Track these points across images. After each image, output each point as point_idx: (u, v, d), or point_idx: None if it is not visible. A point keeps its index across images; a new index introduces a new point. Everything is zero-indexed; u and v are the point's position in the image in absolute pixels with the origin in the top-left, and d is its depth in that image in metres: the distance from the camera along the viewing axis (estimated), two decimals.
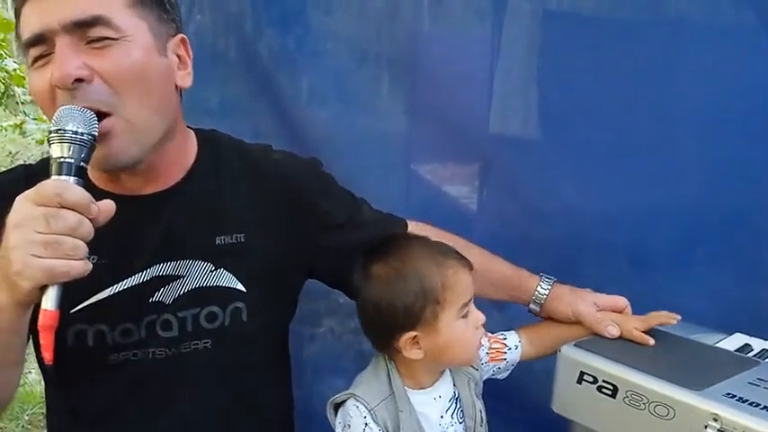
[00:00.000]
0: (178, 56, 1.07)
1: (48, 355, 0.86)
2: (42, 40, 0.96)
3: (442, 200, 2.08)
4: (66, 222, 0.84)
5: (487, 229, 1.80)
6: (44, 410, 2.56)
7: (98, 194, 0.90)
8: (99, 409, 1.06)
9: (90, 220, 0.85)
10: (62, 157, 0.88)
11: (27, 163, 1.19)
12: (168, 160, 1.08)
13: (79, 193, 0.86)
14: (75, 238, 0.84)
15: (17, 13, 1.00)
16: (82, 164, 0.89)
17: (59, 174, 0.88)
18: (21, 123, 6.39)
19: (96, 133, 0.92)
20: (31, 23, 0.96)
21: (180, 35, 1.08)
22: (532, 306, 1.34)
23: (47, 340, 0.86)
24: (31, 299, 0.85)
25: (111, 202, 0.88)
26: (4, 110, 6.41)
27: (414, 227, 1.34)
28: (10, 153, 6.53)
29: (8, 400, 1.02)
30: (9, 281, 0.84)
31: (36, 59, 0.98)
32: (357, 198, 1.30)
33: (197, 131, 1.17)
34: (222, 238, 1.11)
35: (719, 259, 1.89)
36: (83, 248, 0.85)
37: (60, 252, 0.83)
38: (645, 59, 1.90)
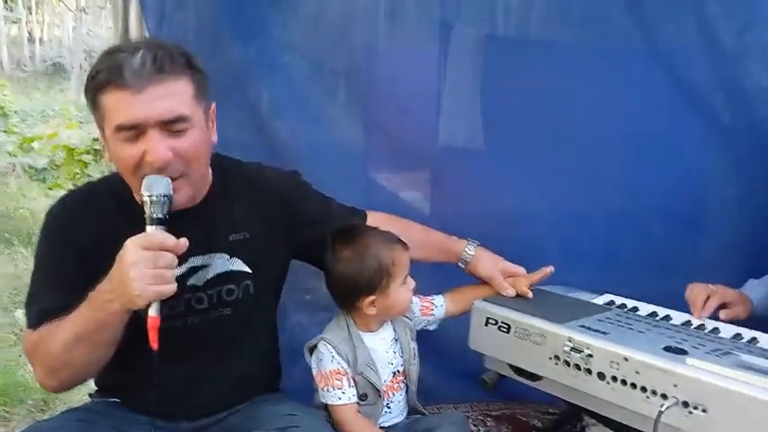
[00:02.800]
0: (212, 120, 1.46)
1: (155, 344, 1.26)
2: (136, 128, 1.30)
3: (398, 204, 2.22)
4: (166, 261, 1.25)
5: (438, 230, 1.87)
6: (45, 396, 2.76)
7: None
8: (144, 363, 1.36)
9: None
10: (156, 215, 1.28)
11: (91, 180, 1.60)
12: (199, 189, 1.48)
13: (172, 241, 1.26)
14: (171, 269, 1.25)
15: (99, 87, 1.30)
16: (167, 216, 1.29)
17: (153, 224, 1.28)
18: None
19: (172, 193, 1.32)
20: (126, 113, 1.29)
21: (213, 104, 1.45)
22: (460, 264, 1.76)
23: (153, 335, 1.25)
24: (140, 308, 1.25)
25: (186, 240, 1.27)
26: None
27: (373, 215, 1.75)
28: None
29: (99, 369, 1.40)
30: (126, 299, 1.24)
31: (127, 138, 1.31)
32: (327, 198, 1.72)
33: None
34: (234, 236, 1.52)
35: (639, 255, 2.06)
36: (174, 274, 1.26)
37: (163, 280, 1.24)
38: (574, 78, 2.06)
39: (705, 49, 2.01)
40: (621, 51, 2.08)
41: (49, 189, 5.98)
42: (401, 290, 1.59)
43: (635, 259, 2.09)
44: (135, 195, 1.38)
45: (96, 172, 5.90)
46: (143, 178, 1.30)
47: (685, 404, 1.27)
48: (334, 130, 2.18)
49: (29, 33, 16.15)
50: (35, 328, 1.38)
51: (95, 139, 6.22)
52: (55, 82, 13.66)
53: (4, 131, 6.61)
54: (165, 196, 1.29)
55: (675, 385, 1.28)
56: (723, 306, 1.64)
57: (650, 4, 2.04)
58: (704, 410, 1.25)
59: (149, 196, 1.28)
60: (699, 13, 1.99)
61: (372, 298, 1.57)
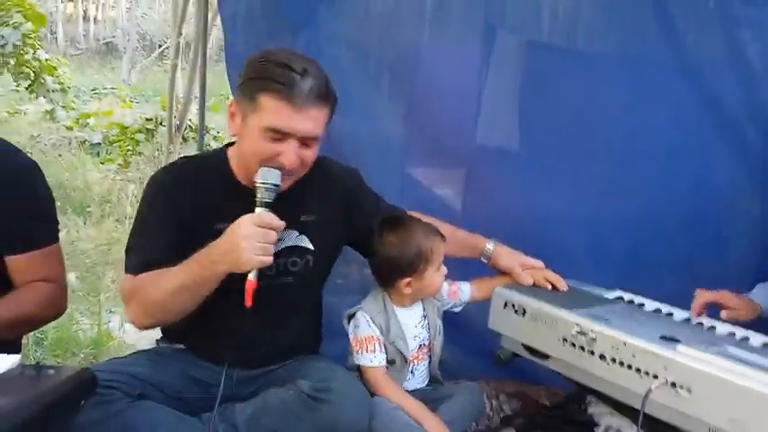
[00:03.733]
0: None
1: (248, 303, 1.52)
2: (283, 134, 1.57)
3: (431, 200, 2.36)
4: (271, 237, 1.52)
5: (468, 227, 2.03)
6: (95, 351, 3.09)
7: (244, 189, 1.62)
8: (222, 314, 1.65)
9: None
10: (266, 200, 1.55)
11: (186, 155, 1.88)
12: None
13: (278, 222, 1.54)
14: (273, 245, 1.52)
15: (266, 89, 1.55)
16: (273, 202, 1.56)
17: (263, 206, 1.54)
18: (51, 110, 6.72)
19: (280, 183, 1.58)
20: (282, 122, 1.55)
21: None
22: (483, 259, 1.98)
23: (249, 295, 1.52)
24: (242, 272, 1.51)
25: (284, 222, 1.56)
26: (36, 97, 6.74)
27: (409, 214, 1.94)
28: (32, 137, 6.86)
29: (189, 313, 1.61)
30: (235, 264, 1.50)
31: (270, 137, 1.57)
32: (378, 195, 1.95)
33: None
34: (304, 216, 1.77)
35: (661, 262, 2.19)
36: (272, 248, 1.53)
37: (266, 252, 1.51)
38: (608, 87, 2.20)
39: (733, 67, 2.13)
40: (654, 65, 2.19)
41: (101, 163, 6.31)
42: (435, 275, 1.81)
43: (657, 265, 2.20)
44: (240, 174, 1.67)
45: (147, 150, 6.22)
46: (261, 166, 1.57)
47: (673, 384, 1.46)
48: (375, 123, 2.33)
49: (84, 12, 16.64)
50: (135, 274, 1.62)
51: (148, 119, 6.54)
52: (107, 61, 14.11)
53: (63, 107, 6.95)
54: (275, 185, 1.56)
55: (666, 368, 1.47)
56: (723, 307, 1.80)
57: (683, 22, 2.16)
58: (689, 390, 1.44)
59: (263, 183, 1.55)
60: (728, 31, 2.11)
61: (409, 279, 1.79)
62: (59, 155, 6.58)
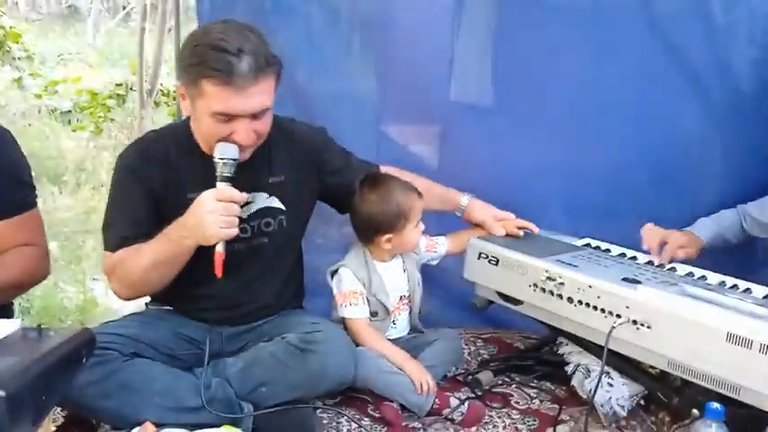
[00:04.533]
0: None
1: (219, 273, 1.59)
2: (230, 116, 1.59)
3: (407, 158, 2.39)
4: (233, 210, 1.58)
5: (445, 184, 2.09)
6: (81, 317, 3.10)
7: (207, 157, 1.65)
8: (203, 280, 1.72)
9: None
10: (226, 174, 1.60)
11: (154, 129, 1.87)
12: None
13: (239, 195, 1.59)
14: (236, 217, 1.58)
15: (205, 75, 1.55)
16: (233, 175, 1.60)
17: (223, 181, 1.60)
18: (19, 79, 6.58)
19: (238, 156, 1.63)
20: (226, 105, 1.57)
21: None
22: (457, 212, 2.06)
23: (219, 266, 1.58)
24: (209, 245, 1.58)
25: (246, 195, 1.63)
26: (2, 65, 6.59)
27: (384, 168, 2.02)
28: None
29: (167, 284, 1.71)
30: (201, 238, 1.57)
31: (219, 120, 1.60)
32: (348, 152, 2.00)
33: None
34: (273, 178, 1.82)
35: (630, 210, 2.29)
36: (236, 220, 1.59)
37: (231, 225, 1.57)
38: (582, 42, 2.24)
39: (698, 20, 2.17)
40: (624, 18, 2.21)
41: (73, 131, 6.23)
42: (414, 231, 1.91)
43: (627, 216, 2.25)
44: (203, 148, 1.69)
45: (119, 116, 6.15)
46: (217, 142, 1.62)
47: (634, 322, 1.58)
48: (347, 80, 2.31)
49: None
50: (113, 251, 1.70)
51: (118, 85, 6.45)
52: (69, 25, 13.68)
53: (30, 74, 6.80)
54: (233, 159, 1.61)
55: (628, 307, 1.59)
56: (679, 247, 1.92)
57: None
58: (649, 327, 1.56)
59: (221, 159, 1.60)
60: None
61: (389, 236, 1.88)
62: (29, 124, 6.45)
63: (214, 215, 1.55)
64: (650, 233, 1.91)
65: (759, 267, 2.22)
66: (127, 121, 6.04)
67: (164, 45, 5.71)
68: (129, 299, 1.79)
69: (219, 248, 1.59)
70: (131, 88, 6.22)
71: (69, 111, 6.27)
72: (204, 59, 1.55)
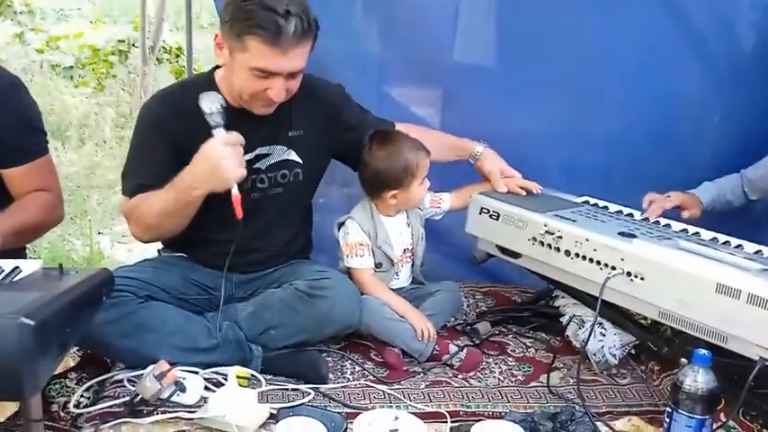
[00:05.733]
0: None
1: (240, 215, 1.66)
2: (269, 71, 1.66)
3: (409, 118, 2.37)
4: (240, 151, 1.67)
5: None
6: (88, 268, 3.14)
7: (232, 110, 1.74)
8: (219, 226, 1.78)
9: None
10: (221, 122, 1.67)
11: (178, 81, 2.02)
12: None
13: (240, 137, 1.68)
14: (242, 156, 1.67)
15: (251, 32, 1.62)
16: (225, 122, 1.67)
17: (220, 127, 1.66)
18: (20, 34, 6.53)
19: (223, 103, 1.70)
20: (268, 63, 1.65)
21: None
22: (471, 160, 2.11)
23: (239, 207, 1.65)
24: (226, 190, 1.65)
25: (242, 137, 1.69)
26: (3, 20, 6.52)
27: (399, 125, 2.07)
28: (0, 61, 6.65)
29: (181, 230, 1.78)
30: (218, 183, 1.65)
31: (257, 76, 1.67)
32: (364, 109, 2.05)
33: None
34: (291, 132, 1.88)
35: (630, 173, 2.33)
36: (244, 161, 1.69)
37: (242, 165, 1.67)
38: (585, 4, 2.26)
39: None
40: None
41: (75, 87, 6.22)
42: (419, 188, 1.96)
43: (627, 179, 2.32)
44: (230, 97, 1.75)
45: (121, 73, 6.14)
46: (251, 98, 1.71)
47: (628, 274, 1.65)
48: (350, 40, 2.31)
49: None
50: (131, 196, 1.78)
51: (120, 41, 6.41)
52: None
53: (31, 29, 6.74)
54: (223, 107, 1.67)
55: (623, 259, 1.65)
56: (681, 208, 1.98)
57: None
58: (642, 278, 1.63)
59: (209, 108, 1.66)
60: None
61: (395, 192, 1.94)
62: (31, 79, 6.43)
63: (228, 159, 1.62)
64: (652, 198, 1.96)
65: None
66: (129, 77, 6.02)
67: (166, 2, 5.68)
68: (146, 241, 1.88)
69: (236, 191, 1.65)
70: (134, 45, 6.19)
71: (71, 66, 6.24)
72: (252, 16, 1.61)
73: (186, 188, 1.67)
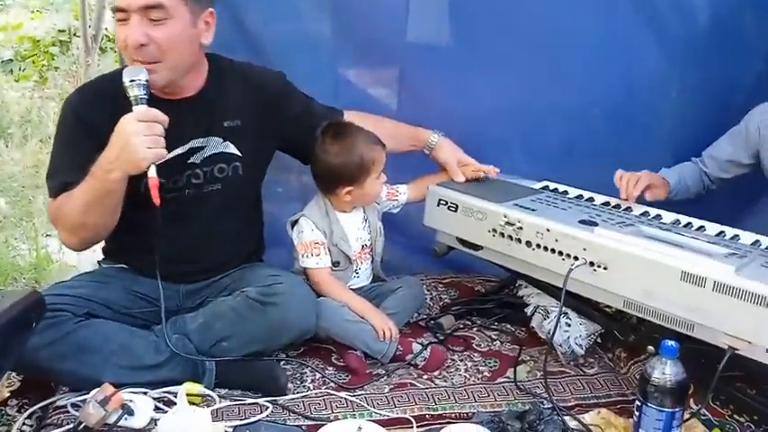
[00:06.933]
0: (206, 22, 1.67)
1: (156, 200, 1.52)
2: (123, 11, 1.55)
3: (366, 100, 2.33)
4: (158, 129, 1.51)
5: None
6: (36, 275, 3.05)
7: (157, 101, 1.57)
8: (152, 229, 1.63)
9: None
10: (141, 96, 1.52)
11: (104, 74, 1.80)
12: (191, 80, 1.71)
13: (160, 113, 1.51)
14: (161, 136, 1.50)
15: None
16: (148, 96, 1.53)
17: (138, 103, 1.52)
18: None
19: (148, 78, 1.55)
20: None
21: (209, 9, 1.67)
22: (425, 150, 2.04)
23: (155, 192, 1.51)
24: (140, 172, 1.50)
25: (165, 116, 1.52)
26: None
27: (348, 113, 1.99)
28: None
29: (111, 229, 1.65)
30: (131, 164, 1.49)
31: (119, 20, 1.57)
32: (309, 97, 1.94)
33: (207, 56, 1.75)
34: (227, 122, 1.76)
35: (589, 151, 2.29)
36: (164, 141, 1.51)
37: (159, 144, 1.50)
38: None
39: None
40: None
41: (16, 81, 5.94)
42: (375, 183, 1.87)
43: (587, 155, 2.29)
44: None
45: (63, 64, 5.88)
46: (128, 60, 1.56)
47: (591, 264, 1.60)
48: (303, 23, 2.23)
49: None
50: (55, 197, 1.63)
51: (61, 31, 6.14)
52: None
53: None
54: (145, 80, 1.53)
55: (585, 249, 1.60)
56: (648, 188, 1.94)
57: None
58: (605, 268, 1.58)
59: (131, 81, 1.52)
60: None
61: (350, 188, 1.85)
62: None
63: (139, 136, 1.47)
64: (624, 176, 1.90)
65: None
66: (72, 68, 5.77)
67: None
68: (77, 247, 1.72)
69: (152, 173, 1.50)
70: (75, 34, 5.92)
71: (11, 60, 5.96)
72: None
73: (102, 173, 1.52)
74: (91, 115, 1.64)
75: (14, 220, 3.76)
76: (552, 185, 2.01)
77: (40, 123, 5.13)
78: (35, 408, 1.58)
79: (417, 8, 2.30)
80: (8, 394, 1.61)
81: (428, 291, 2.21)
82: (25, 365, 1.57)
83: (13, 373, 1.67)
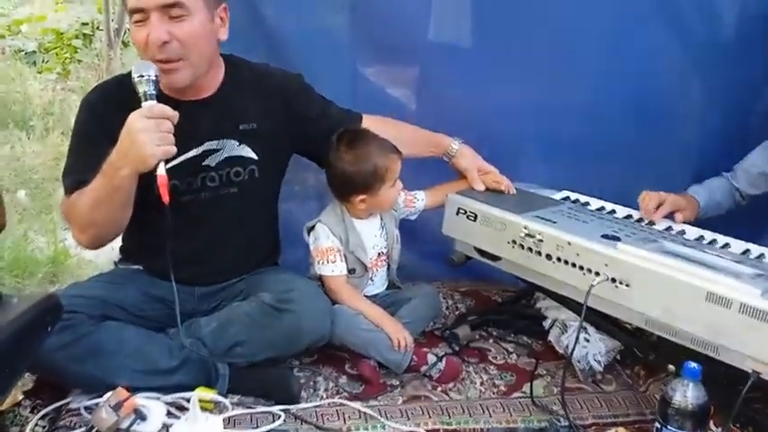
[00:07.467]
0: (221, 18, 1.67)
1: (165, 199, 1.48)
2: (141, 11, 1.54)
3: (384, 100, 2.32)
4: (167, 126, 1.48)
5: (422, 126, 2.05)
6: (53, 269, 3.01)
7: (172, 102, 1.56)
8: (177, 234, 1.60)
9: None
10: (150, 92, 1.50)
11: (122, 73, 1.74)
12: (209, 79, 1.71)
13: (168, 109, 1.49)
14: (170, 133, 1.48)
15: None
16: (158, 93, 1.51)
17: (147, 99, 1.49)
18: None
19: (158, 74, 1.53)
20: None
21: (223, 5, 1.67)
22: (445, 157, 2.00)
23: (164, 190, 1.48)
24: (149, 169, 1.48)
25: (175, 112, 1.50)
26: None
27: (367, 118, 1.97)
28: None
29: (122, 228, 1.66)
30: (139, 161, 1.47)
31: (136, 21, 1.56)
32: (327, 100, 1.93)
33: (223, 57, 1.75)
34: (243, 125, 1.75)
35: (608, 151, 2.26)
36: (173, 138, 1.48)
37: (168, 141, 1.47)
38: None
39: None
40: None
41: (39, 73, 5.99)
42: (390, 191, 1.84)
43: (604, 154, 2.26)
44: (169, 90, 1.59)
45: (86, 57, 5.92)
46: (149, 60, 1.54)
47: (613, 280, 1.56)
48: (323, 21, 2.21)
49: None
50: (69, 195, 1.63)
51: (84, 24, 6.18)
52: None
53: None
54: (155, 76, 1.51)
55: (606, 265, 1.57)
56: (675, 211, 1.88)
57: None
58: (627, 285, 1.55)
59: (140, 77, 1.50)
60: None
61: (364, 197, 1.82)
62: None
63: (147, 133, 1.45)
64: (647, 197, 1.85)
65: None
66: (95, 62, 5.80)
67: None
68: (88, 245, 1.70)
69: (161, 171, 1.48)
70: (98, 27, 5.95)
71: (34, 52, 6.01)
72: None
73: (112, 170, 1.50)
74: (107, 114, 1.63)
75: (34, 213, 3.78)
76: (573, 196, 1.98)
77: (61, 116, 5.15)
78: (48, 409, 1.59)
79: (440, 7, 2.27)
80: (22, 396, 1.61)
81: (444, 299, 2.19)
82: (40, 366, 1.57)
83: (27, 373, 1.66)
